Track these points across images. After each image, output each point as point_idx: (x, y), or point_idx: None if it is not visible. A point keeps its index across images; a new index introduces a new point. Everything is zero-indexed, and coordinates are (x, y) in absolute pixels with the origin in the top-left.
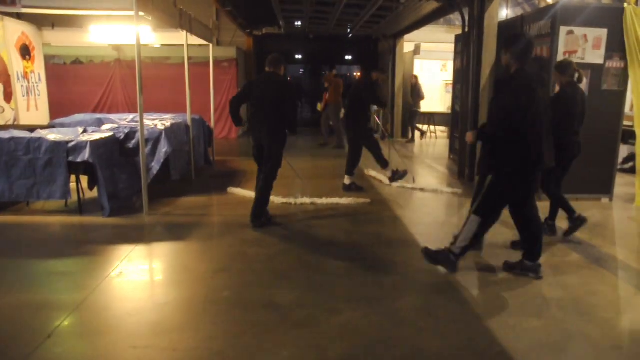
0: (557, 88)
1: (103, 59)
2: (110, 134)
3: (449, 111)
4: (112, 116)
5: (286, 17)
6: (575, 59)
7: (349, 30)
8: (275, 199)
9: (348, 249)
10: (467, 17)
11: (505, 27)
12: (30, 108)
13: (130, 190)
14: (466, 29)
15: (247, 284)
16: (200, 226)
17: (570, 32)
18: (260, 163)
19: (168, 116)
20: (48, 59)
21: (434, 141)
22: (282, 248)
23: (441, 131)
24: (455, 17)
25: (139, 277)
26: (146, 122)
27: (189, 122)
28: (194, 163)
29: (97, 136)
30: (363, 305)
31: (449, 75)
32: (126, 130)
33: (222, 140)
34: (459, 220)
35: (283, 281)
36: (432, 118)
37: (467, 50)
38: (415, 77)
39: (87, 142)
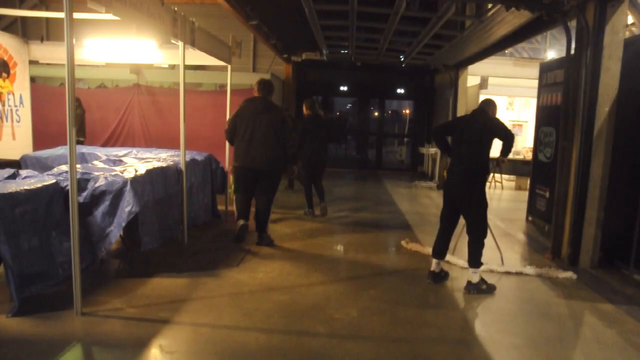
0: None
1: (128, 82)
2: (51, 181)
3: (519, 157)
4: (102, 150)
5: (329, 45)
6: None
7: (402, 59)
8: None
9: None
10: (573, 33)
11: (633, 45)
12: (4, 137)
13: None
14: (571, 50)
15: None
16: (149, 350)
17: None
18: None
19: (167, 154)
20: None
21: (499, 192)
22: None
23: (506, 180)
24: (522, 48)
25: None
26: (129, 160)
27: (182, 164)
28: (187, 221)
29: (18, 187)
30: None
31: (515, 114)
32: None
33: None
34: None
35: None
36: (498, 165)
37: (571, 79)
38: None
39: None
